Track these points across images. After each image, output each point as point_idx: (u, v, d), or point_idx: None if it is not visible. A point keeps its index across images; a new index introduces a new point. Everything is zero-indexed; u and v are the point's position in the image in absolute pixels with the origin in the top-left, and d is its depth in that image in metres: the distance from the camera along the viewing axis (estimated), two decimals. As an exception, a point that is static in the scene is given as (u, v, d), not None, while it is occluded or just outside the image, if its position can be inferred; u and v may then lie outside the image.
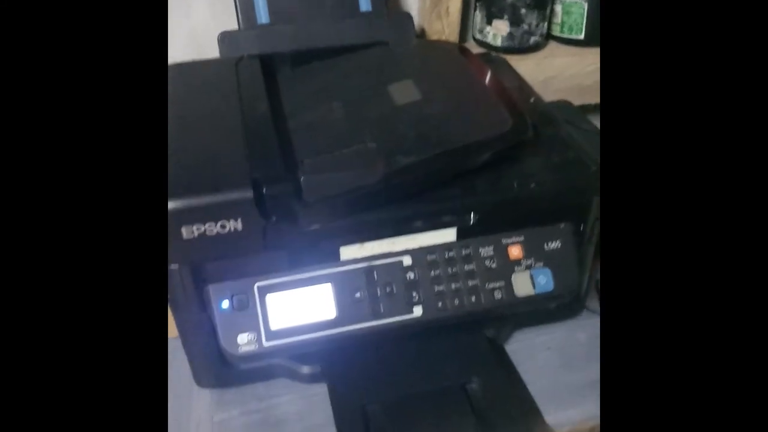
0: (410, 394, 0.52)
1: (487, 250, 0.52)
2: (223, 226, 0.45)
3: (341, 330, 0.49)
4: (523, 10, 0.74)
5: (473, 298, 0.51)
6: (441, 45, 0.70)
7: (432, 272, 0.51)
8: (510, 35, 0.75)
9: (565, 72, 0.77)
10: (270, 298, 0.49)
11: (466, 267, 0.51)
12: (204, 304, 0.49)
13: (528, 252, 0.52)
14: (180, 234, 0.44)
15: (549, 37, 0.80)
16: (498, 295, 0.51)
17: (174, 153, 0.49)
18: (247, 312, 0.49)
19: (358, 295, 0.50)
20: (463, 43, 0.80)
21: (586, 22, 0.77)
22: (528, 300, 0.52)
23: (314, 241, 0.48)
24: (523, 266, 0.52)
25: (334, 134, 0.52)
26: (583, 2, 0.76)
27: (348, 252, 0.50)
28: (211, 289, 0.48)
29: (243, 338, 0.49)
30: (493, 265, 0.51)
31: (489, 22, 0.76)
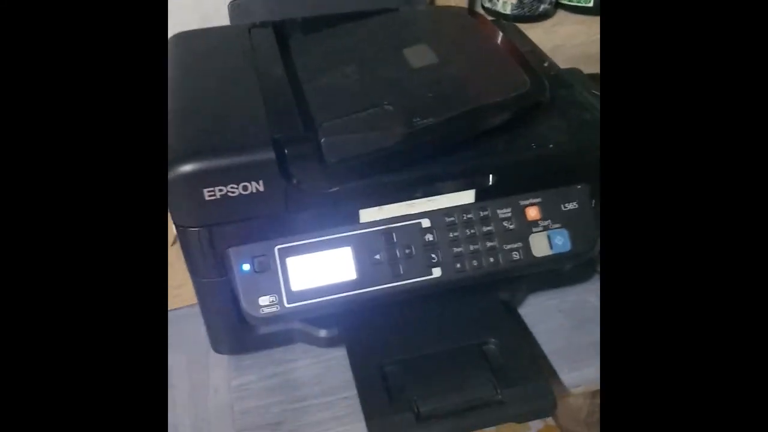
0: (428, 354, 0.52)
1: (504, 212, 0.52)
2: (245, 188, 0.45)
3: (361, 291, 0.50)
4: (533, -23, 0.74)
5: (491, 259, 0.51)
6: (452, 10, 0.70)
7: (450, 234, 0.51)
8: (519, 2, 0.75)
9: (574, 40, 0.77)
10: (291, 260, 0.49)
11: (485, 228, 0.52)
12: (224, 270, 0.49)
13: (545, 213, 0.52)
14: (202, 196, 0.45)
15: (558, 5, 0.80)
16: (516, 255, 0.52)
17: (193, 116, 0.49)
18: (268, 274, 0.49)
19: (377, 257, 0.50)
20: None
21: (595, -10, 0.77)
22: (545, 260, 0.52)
23: (335, 203, 0.49)
24: (541, 227, 0.52)
25: (352, 98, 0.52)
26: (592, -31, 0.76)
27: (367, 215, 0.50)
28: (232, 253, 0.49)
29: (264, 300, 0.49)
30: (511, 227, 0.52)
31: (498, -11, 0.76)
